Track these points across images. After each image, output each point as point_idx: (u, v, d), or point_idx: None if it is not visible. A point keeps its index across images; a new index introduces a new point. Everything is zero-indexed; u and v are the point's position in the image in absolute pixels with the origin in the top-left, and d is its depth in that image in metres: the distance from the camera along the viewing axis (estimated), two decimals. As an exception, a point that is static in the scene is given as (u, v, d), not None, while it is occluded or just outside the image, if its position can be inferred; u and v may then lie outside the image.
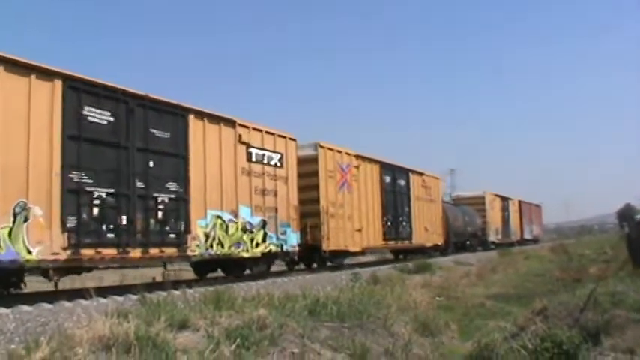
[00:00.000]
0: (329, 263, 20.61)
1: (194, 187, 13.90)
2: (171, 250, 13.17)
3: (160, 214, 12.84)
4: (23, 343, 6.73)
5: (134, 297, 10.22)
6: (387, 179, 24.77)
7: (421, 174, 28.99)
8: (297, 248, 17.65)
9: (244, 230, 15.55)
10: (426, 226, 28.65)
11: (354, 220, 21.33)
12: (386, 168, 24.83)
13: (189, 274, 16.30)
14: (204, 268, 16.28)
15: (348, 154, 21.59)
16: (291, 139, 18.03)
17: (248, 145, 16.02)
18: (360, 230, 21.71)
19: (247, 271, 16.34)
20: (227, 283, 11.74)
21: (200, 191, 14.10)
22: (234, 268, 16.00)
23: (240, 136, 15.72)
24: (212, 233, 14.36)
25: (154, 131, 13.01)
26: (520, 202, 54.14)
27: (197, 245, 13.81)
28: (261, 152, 16.57)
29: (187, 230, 13.56)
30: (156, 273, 18.53)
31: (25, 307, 9.18)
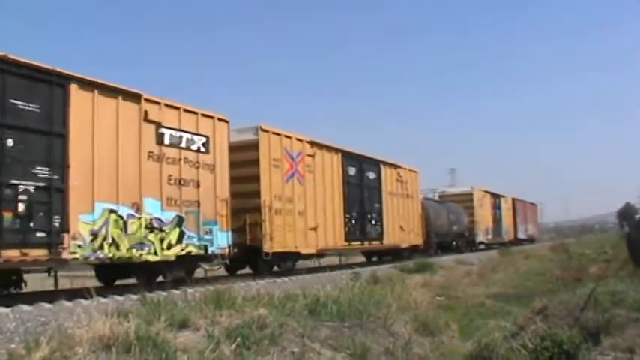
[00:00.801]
0: (275, 268, 17.62)
1: (76, 173, 11.19)
2: (38, 253, 10.49)
3: (20, 206, 10.16)
4: (23, 342, 6.73)
5: (134, 296, 10.23)
6: (352, 171, 21.84)
7: (396, 166, 26.11)
8: (227, 250, 14.86)
9: (151, 228, 12.79)
10: (401, 225, 25.83)
11: (306, 217, 18.56)
12: (350, 158, 21.91)
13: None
14: (109, 274, 14.10)
15: (299, 140, 18.75)
16: (221, 119, 15.14)
17: (158, 125, 13.29)
18: (314, 229, 18.89)
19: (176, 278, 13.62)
20: (227, 283, 11.72)
21: (85, 179, 11.41)
22: (142, 274, 13.27)
23: (146, 112, 12.97)
24: (103, 231, 11.65)
25: (17, 102, 10.41)
26: (514, 200, 51.47)
27: (79, 246, 11.14)
28: (177, 134, 13.77)
29: (64, 228, 10.87)
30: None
31: (25, 307, 9.18)
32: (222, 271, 16.70)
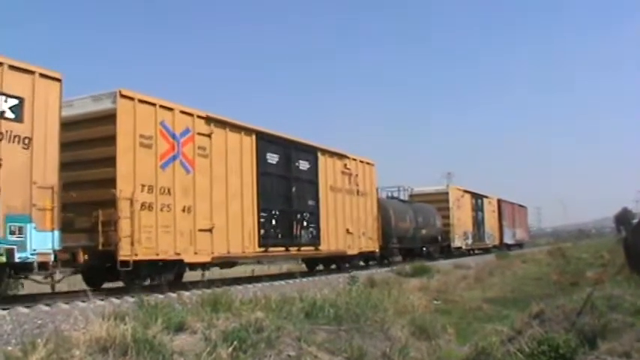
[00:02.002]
0: (147, 282, 13.33)
1: None
2: None
3: None
4: (20, 345, 6.73)
5: (131, 299, 10.21)
6: (272, 158, 17.38)
7: (341, 156, 21.46)
8: (51, 256, 10.63)
9: None
10: (348, 228, 21.31)
11: (196, 215, 14.20)
12: (269, 142, 17.30)
13: (186, 277, 16.24)
14: None
15: (186, 113, 14.40)
16: (47, 76, 11.03)
17: None
18: (209, 230, 14.51)
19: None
20: (224, 286, 11.71)
21: None
22: None
23: None
24: None
25: None
26: (500, 201, 46.82)
27: None
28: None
29: None
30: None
31: (22, 309, 9.17)
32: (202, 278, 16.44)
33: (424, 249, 30.94)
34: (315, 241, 19.36)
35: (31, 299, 10.63)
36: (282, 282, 15.69)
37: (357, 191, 22.58)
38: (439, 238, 32.81)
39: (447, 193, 35.22)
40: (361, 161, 23.23)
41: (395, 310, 11.16)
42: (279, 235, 17.50)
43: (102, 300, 10.43)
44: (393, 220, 26.17)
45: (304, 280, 16.59)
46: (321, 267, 21.98)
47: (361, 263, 24.27)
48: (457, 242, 34.95)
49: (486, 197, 42.79)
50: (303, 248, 18.75)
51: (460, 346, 10.54)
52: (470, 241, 37.39)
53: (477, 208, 39.80)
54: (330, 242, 20.24)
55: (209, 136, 14.90)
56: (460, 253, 35.53)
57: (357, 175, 22.55)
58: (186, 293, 10.99)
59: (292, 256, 20.28)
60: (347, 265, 21.70)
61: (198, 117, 14.65)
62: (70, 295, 11.03)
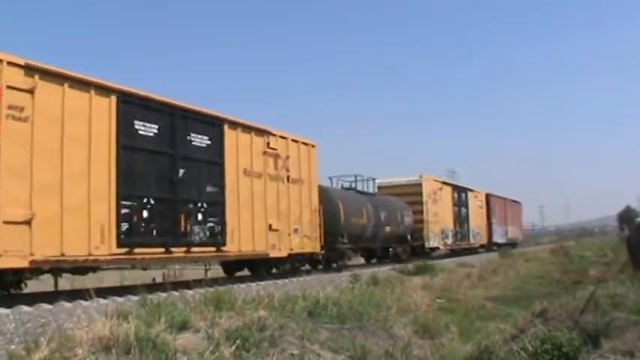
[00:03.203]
0: None
1: None
2: None
3: None
4: (23, 343, 6.73)
5: (134, 298, 10.22)
6: (148, 129, 12.84)
7: (262, 132, 16.62)
8: None
9: None
10: (271, 223, 16.49)
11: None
12: (141, 106, 12.80)
13: (189, 274, 16.28)
14: None
15: None
16: None
17: None
18: (24, 223, 10.22)
19: None
20: (227, 285, 11.72)
21: None
22: None
23: None
24: None
25: None
26: (488, 196, 42.21)
27: None
28: None
29: None
30: (156, 274, 18.40)
31: (25, 308, 9.17)
32: (221, 273, 16.51)
33: (390, 249, 26.57)
34: (218, 239, 14.61)
35: (34, 298, 10.62)
36: (286, 280, 15.67)
37: (288, 178, 17.65)
38: (409, 236, 27.88)
39: (419, 185, 29.45)
40: (294, 140, 18.32)
41: (398, 309, 11.17)
42: (155, 232, 12.85)
43: (105, 299, 10.43)
44: (342, 215, 21.05)
45: (307, 278, 16.59)
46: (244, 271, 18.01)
47: (307, 267, 20.01)
48: (433, 242, 29.75)
49: (472, 191, 38.07)
50: (195, 249, 14.05)
51: (463, 344, 10.54)
52: (450, 240, 32.49)
53: (460, 203, 34.98)
54: (243, 241, 15.43)
55: (30, 92, 10.69)
56: (440, 254, 31.65)
57: (287, 158, 17.62)
58: (189, 292, 11.00)
59: (178, 260, 15.98)
60: (275, 271, 17.76)
61: (10, 64, 10.35)
62: (73, 294, 11.02)
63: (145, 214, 12.74)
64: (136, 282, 16.60)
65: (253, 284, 13.92)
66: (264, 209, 16.50)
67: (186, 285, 12.99)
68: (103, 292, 11.47)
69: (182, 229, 13.68)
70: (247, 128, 16.22)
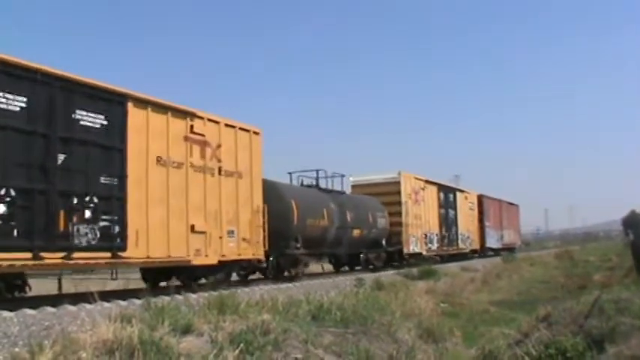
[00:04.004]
0: None
1: None
2: None
3: None
4: (27, 346, 6.73)
5: (138, 301, 10.23)
6: (11, 102, 10.25)
7: (184, 113, 13.96)
8: None
9: None
10: (194, 224, 13.73)
11: None
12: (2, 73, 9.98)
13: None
14: None
15: None
16: None
17: None
18: None
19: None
20: (231, 288, 11.74)
21: None
22: None
23: None
24: None
25: None
26: (481, 197, 38.99)
27: None
28: None
29: None
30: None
31: (29, 311, 9.19)
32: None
33: (362, 255, 23.29)
34: (115, 243, 11.84)
35: (38, 301, 10.64)
36: (290, 284, 15.68)
37: (220, 169, 14.84)
38: (383, 241, 24.58)
39: (397, 183, 26.15)
40: (229, 125, 15.48)
41: (402, 313, 11.17)
42: (17, 232, 10.22)
43: (109, 302, 10.44)
44: (295, 216, 18.05)
45: (311, 282, 16.59)
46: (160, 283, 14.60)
47: (248, 275, 17.69)
48: (414, 247, 26.48)
49: (461, 191, 35.21)
50: (79, 255, 11.25)
51: (467, 349, 10.53)
52: (435, 246, 29.36)
53: (447, 204, 32.00)
54: (153, 246, 12.68)
55: None
56: (424, 260, 26.67)
57: (219, 146, 14.85)
58: (193, 295, 11.01)
59: (52, 268, 12.45)
60: (204, 281, 14.24)
61: None
62: (77, 297, 11.04)
63: (2, 209, 10.08)
64: (139, 285, 16.64)
65: (257, 288, 13.95)
66: (184, 206, 13.65)
67: (190, 289, 13.03)
68: (107, 296, 11.48)
69: (60, 228, 10.95)
70: (162, 108, 13.36)
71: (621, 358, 8.01)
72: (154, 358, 6.21)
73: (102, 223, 11.62)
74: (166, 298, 10.09)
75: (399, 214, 25.53)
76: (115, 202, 11.95)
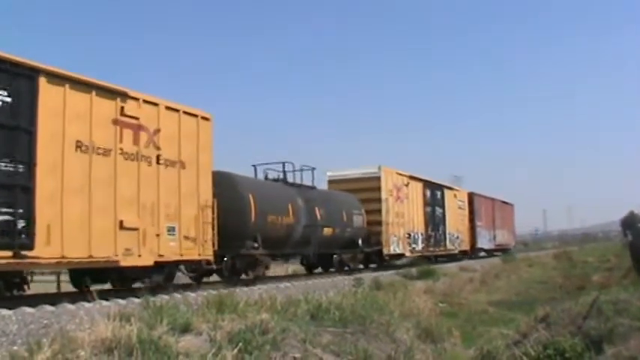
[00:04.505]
0: None
1: None
2: None
3: None
4: (25, 345, 6.74)
5: (137, 300, 10.24)
6: None
7: (113, 92, 12.17)
8: None
9: None
10: (123, 220, 11.97)
11: None
12: None
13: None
14: None
15: None
16: None
17: None
18: None
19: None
20: (230, 287, 11.74)
21: None
22: None
23: None
24: None
25: None
26: (472, 195, 37.34)
27: None
28: None
29: None
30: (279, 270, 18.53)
31: (28, 309, 9.19)
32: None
33: (335, 256, 21.44)
34: (18, 240, 10.08)
35: (36, 299, 10.64)
36: (288, 284, 15.69)
37: (158, 158, 13.17)
38: (359, 241, 22.55)
39: (377, 179, 24.05)
40: (170, 109, 13.71)
41: (400, 313, 11.17)
42: None
43: (107, 300, 10.44)
44: (253, 212, 16.21)
45: (309, 282, 16.59)
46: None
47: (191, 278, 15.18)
48: (395, 247, 24.41)
49: (450, 189, 33.41)
50: None
51: (466, 349, 10.54)
52: (420, 246, 27.28)
53: (434, 202, 29.90)
54: (70, 244, 10.91)
55: None
56: (404, 263, 26.50)
57: (157, 132, 13.12)
58: (192, 294, 11.01)
59: None
60: (144, 285, 12.61)
61: None
62: (76, 296, 11.04)
63: None
64: (137, 284, 16.64)
65: (255, 287, 13.94)
66: (112, 199, 11.84)
67: (189, 287, 13.04)
68: (106, 294, 11.48)
69: None
70: (84, 85, 11.53)
71: (619, 359, 8.02)
72: (153, 357, 6.21)
73: (0, 217, 9.88)
74: (165, 297, 10.10)
75: (379, 211, 23.54)
76: (19, 193, 10.15)
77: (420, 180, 28.31)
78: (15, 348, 6.88)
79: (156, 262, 12.81)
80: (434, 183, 30.55)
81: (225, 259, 15.26)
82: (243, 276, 16.21)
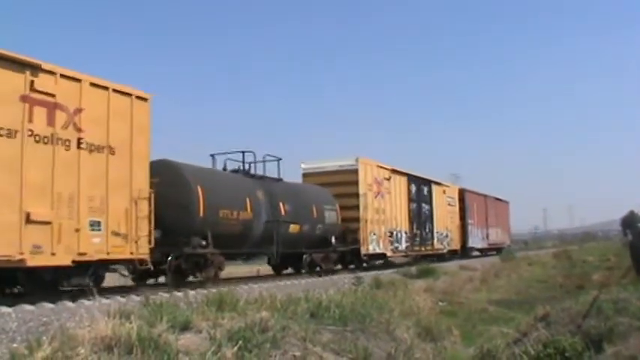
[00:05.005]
0: None
1: None
2: None
3: None
4: (25, 342, 6.74)
5: (137, 298, 10.24)
6: None
7: (16, 63, 10.29)
8: None
9: None
10: (30, 212, 10.23)
11: None
12: None
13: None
14: None
15: None
16: None
17: None
18: None
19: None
20: (230, 285, 11.73)
21: None
22: None
23: None
24: None
25: None
26: (463, 192, 35.61)
27: None
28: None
29: None
30: (243, 270, 17.91)
31: (28, 307, 9.20)
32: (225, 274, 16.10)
33: (305, 256, 19.31)
34: None
35: (36, 297, 10.65)
36: (288, 282, 15.69)
37: (80, 142, 11.43)
38: (332, 239, 20.63)
39: (355, 172, 22.07)
40: (96, 85, 11.96)
41: (400, 311, 11.17)
42: None
43: (107, 298, 10.44)
44: (200, 205, 14.46)
45: (310, 280, 16.60)
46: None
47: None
48: (374, 246, 22.49)
49: (439, 184, 31.23)
50: None
51: (466, 347, 10.55)
52: (403, 245, 25.35)
53: (420, 198, 27.93)
54: None
55: None
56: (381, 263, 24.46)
57: (78, 111, 11.43)
58: (192, 292, 11.01)
59: None
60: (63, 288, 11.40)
61: None
62: (76, 293, 11.04)
63: None
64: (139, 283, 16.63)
65: (255, 285, 13.94)
66: (17, 188, 10.12)
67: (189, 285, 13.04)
68: (106, 292, 11.49)
69: None
70: None
71: (619, 358, 8.02)
72: (153, 355, 6.21)
73: None
74: (165, 295, 10.10)
75: (357, 207, 21.64)
76: None
77: (404, 174, 26.46)
78: (15, 345, 6.89)
79: (75, 262, 11.01)
80: (420, 178, 28.61)
81: (170, 258, 13.61)
82: (192, 278, 14.69)
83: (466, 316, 14.39)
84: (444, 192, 31.86)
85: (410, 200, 26.60)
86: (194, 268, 14.42)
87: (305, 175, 22.68)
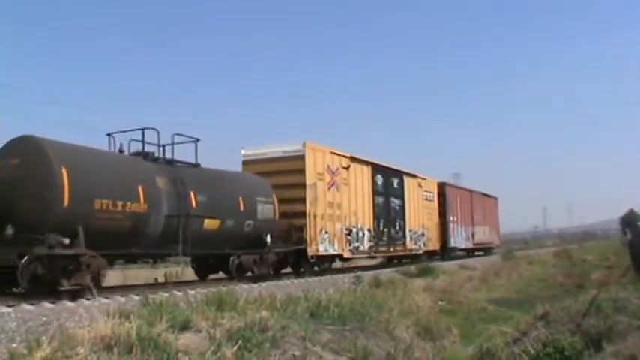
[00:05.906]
0: None
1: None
2: None
3: None
4: (25, 342, 6.74)
5: (136, 297, 10.24)
6: None
7: None
8: None
9: None
10: None
11: None
12: None
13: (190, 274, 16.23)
14: None
15: None
16: None
17: None
18: None
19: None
20: (229, 285, 11.73)
21: None
22: None
23: None
24: None
25: None
26: (443, 186, 32.16)
27: None
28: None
29: None
30: (158, 274, 17.79)
31: (27, 306, 9.20)
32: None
33: (231, 259, 15.78)
34: None
35: (35, 297, 10.65)
36: (287, 281, 15.69)
37: None
38: (267, 238, 17.09)
39: (301, 158, 18.79)
40: None
41: (400, 311, 11.17)
42: None
43: (107, 298, 10.45)
44: (65, 192, 11.15)
45: (309, 279, 16.59)
46: None
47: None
48: (326, 246, 19.38)
49: (412, 176, 27.29)
50: None
51: (465, 346, 10.54)
52: (366, 245, 22.15)
53: (388, 192, 24.43)
54: None
55: None
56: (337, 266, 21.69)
57: None
58: (191, 292, 11.02)
59: None
60: None
61: None
62: (75, 293, 11.04)
63: None
64: (137, 282, 16.63)
65: (255, 285, 13.94)
66: None
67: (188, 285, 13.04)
68: (105, 292, 11.49)
69: None
70: None
71: (619, 357, 8.02)
72: (152, 354, 6.21)
73: None
74: (165, 294, 10.10)
75: (303, 200, 18.48)
76: None
77: (367, 163, 22.85)
78: (14, 345, 6.89)
79: None
80: (389, 168, 24.97)
81: (23, 261, 10.43)
82: (65, 286, 11.27)
83: (465, 315, 14.39)
84: (420, 185, 28.10)
85: (375, 193, 23.17)
86: (60, 273, 10.99)
87: (245, 163, 19.43)
